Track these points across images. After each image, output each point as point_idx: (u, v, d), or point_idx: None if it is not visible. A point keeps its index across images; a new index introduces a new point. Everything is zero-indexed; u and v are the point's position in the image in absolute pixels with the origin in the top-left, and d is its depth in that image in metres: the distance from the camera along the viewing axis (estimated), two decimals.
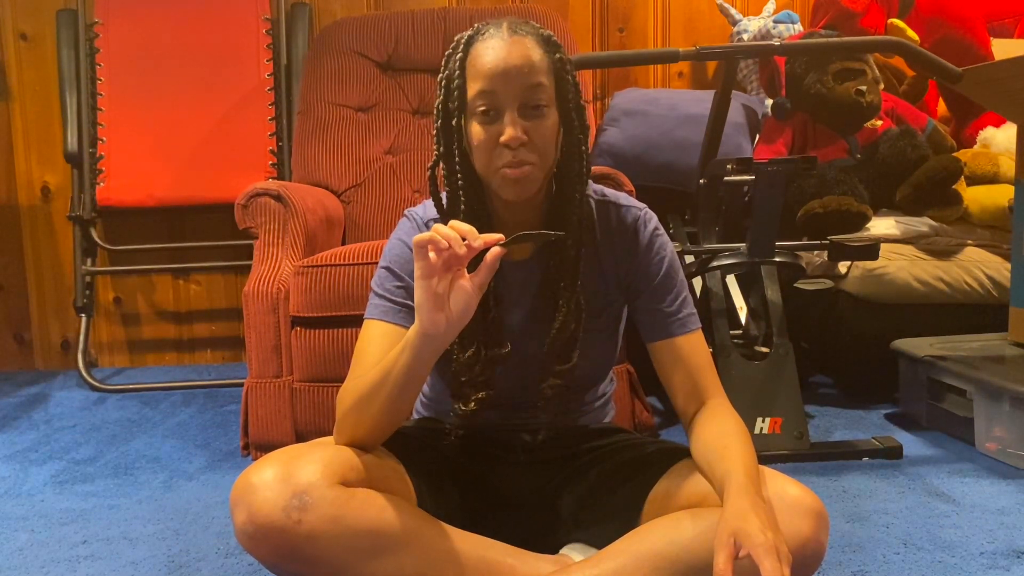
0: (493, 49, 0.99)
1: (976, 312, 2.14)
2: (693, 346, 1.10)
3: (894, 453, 1.74)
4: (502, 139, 0.99)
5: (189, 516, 1.53)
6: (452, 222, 0.89)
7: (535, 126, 1.00)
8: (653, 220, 1.14)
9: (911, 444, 1.82)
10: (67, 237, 2.78)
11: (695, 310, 1.13)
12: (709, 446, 1.00)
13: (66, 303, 2.80)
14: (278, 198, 1.88)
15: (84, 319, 2.68)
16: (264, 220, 1.88)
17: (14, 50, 2.76)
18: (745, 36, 2.70)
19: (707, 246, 1.98)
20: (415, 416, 1.24)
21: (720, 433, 1.01)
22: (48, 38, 2.72)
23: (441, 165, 1.07)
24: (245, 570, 1.29)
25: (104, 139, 2.63)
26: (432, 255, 0.88)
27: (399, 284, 1.08)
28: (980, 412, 1.75)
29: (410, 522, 0.97)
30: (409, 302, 1.06)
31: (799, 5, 2.85)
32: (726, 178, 1.93)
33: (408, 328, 1.04)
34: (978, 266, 2.15)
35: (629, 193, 1.80)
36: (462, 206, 1.06)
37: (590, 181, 1.13)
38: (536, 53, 1.00)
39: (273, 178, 2.62)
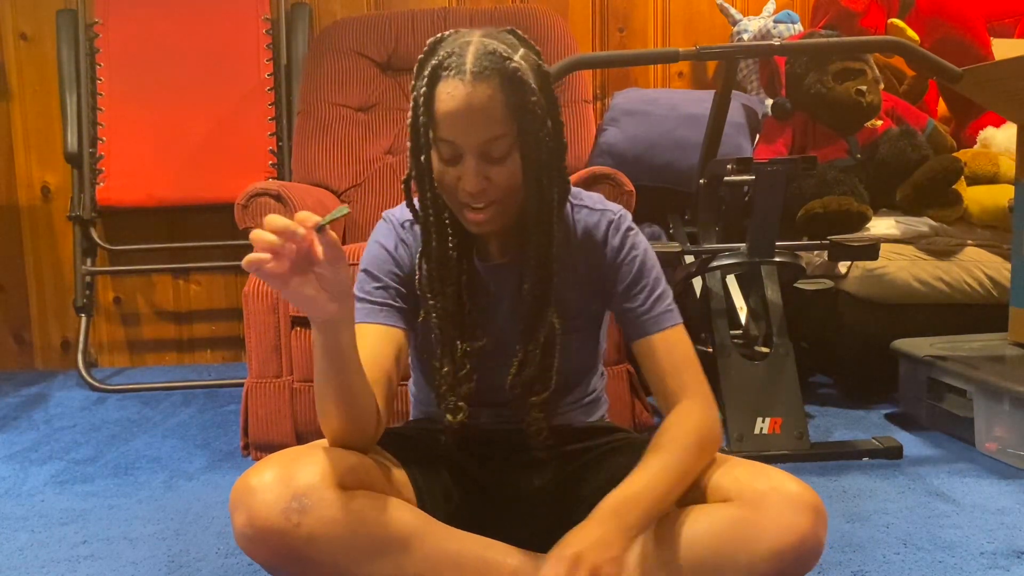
0: (453, 98, 0.95)
1: (976, 312, 2.14)
2: (669, 343, 1.09)
3: (894, 453, 1.74)
4: (461, 185, 0.98)
5: (189, 516, 1.53)
6: (267, 218, 0.83)
7: (496, 172, 0.98)
8: (625, 222, 1.12)
9: (911, 444, 1.82)
10: (67, 237, 2.78)
11: (673, 307, 1.11)
12: (649, 448, 1.03)
13: (66, 303, 2.80)
14: (278, 198, 1.88)
15: (84, 319, 2.68)
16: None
17: (14, 50, 2.76)
18: (745, 36, 2.70)
19: (707, 246, 1.98)
20: (412, 417, 1.25)
21: (659, 438, 1.03)
22: (48, 38, 2.72)
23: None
24: (245, 570, 1.29)
25: (104, 139, 2.63)
26: (272, 265, 0.83)
27: (377, 285, 1.09)
28: (980, 412, 1.75)
29: (410, 523, 0.97)
30: (389, 300, 1.08)
31: (799, 5, 2.85)
32: (726, 178, 1.93)
33: (394, 324, 1.07)
34: (978, 266, 2.15)
35: (629, 193, 1.81)
36: (433, 228, 1.05)
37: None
38: (498, 102, 0.95)
39: (273, 178, 2.62)
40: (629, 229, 1.12)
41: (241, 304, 1.85)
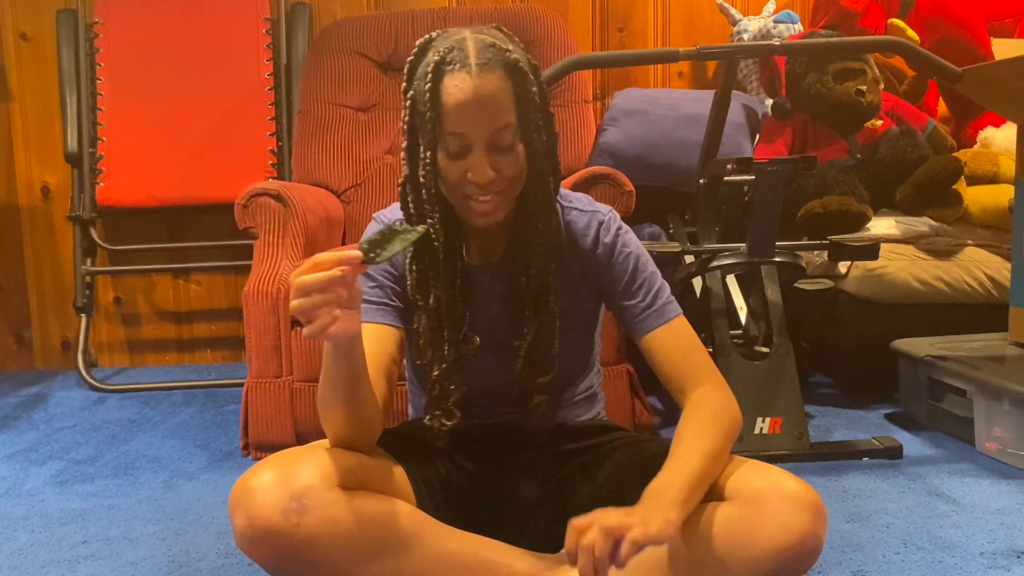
0: (461, 90, 0.96)
1: (976, 312, 2.14)
2: (675, 334, 1.10)
3: (894, 453, 1.74)
4: (470, 177, 0.99)
5: (189, 516, 1.53)
6: (317, 258, 0.84)
7: (503, 162, 1.00)
8: (615, 222, 1.14)
9: (911, 444, 1.82)
10: (67, 237, 2.77)
11: (672, 299, 1.12)
12: (674, 440, 1.02)
13: (66, 303, 2.80)
14: (278, 198, 1.88)
15: (84, 319, 2.68)
16: (264, 220, 1.88)
17: (14, 50, 2.76)
18: (745, 36, 2.70)
19: (707, 246, 1.98)
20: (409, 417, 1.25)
21: (681, 427, 1.03)
22: (48, 38, 2.72)
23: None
24: (245, 570, 1.29)
25: (104, 139, 2.62)
26: (336, 327, 0.84)
27: (373, 284, 1.09)
28: (980, 412, 1.75)
29: (409, 523, 0.97)
30: (386, 300, 1.09)
31: (799, 5, 2.85)
32: (726, 178, 1.93)
33: (392, 323, 1.08)
34: (978, 266, 2.15)
35: (629, 193, 1.81)
36: (433, 223, 1.06)
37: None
38: (504, 90, 0.98)
39: (273, 178, 2.62)
40: (619, 228, 1.13)
41: (241, 304, 1.85)
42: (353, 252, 0.85)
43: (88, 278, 2.69)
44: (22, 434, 2.10)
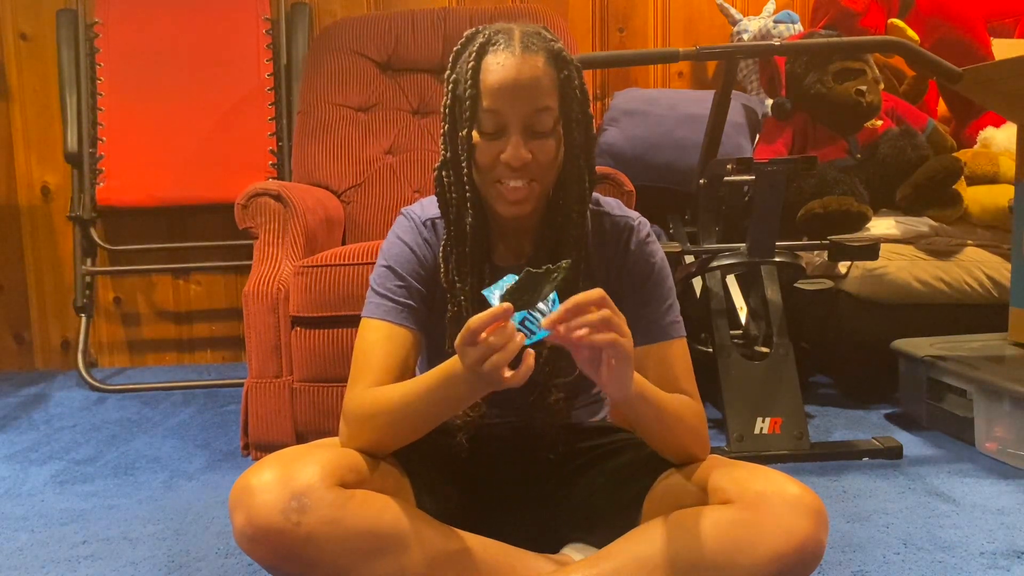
0: (503, 67, 0.98)
1: (976, 312, 2.14)
2: (675, 353, 1.10)
3: (894, 453, 1.74)
4: (503, 158, 0.99)
5: (189, 516, 1.53)
6: (469, 325, 0.86)
7: (538, 147, 1.00)
8: (644, 228, 1.14)
9: (911, 444, 1.82)
10: (67, 237, 2.78)
11: (681, 319, 1.12)
12: None
13: (66, 303, 2.80)
14: (278, 198, 1.88)
15: (84, 319, 2.68)
16: (264, 220, 1.88)
17: (14, 50, 2.76)
18: (745, 36, 2.70)
19: (707, 246, 1.98)
20: None
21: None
22: (48, 38, 2.72)
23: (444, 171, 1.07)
24: (245, 570, 1.29)
25: (104, 139, 2.63)
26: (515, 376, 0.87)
27: (400, 284, 1.08)
28: (980, 412, 1.75)
29: (409, 523, 0.97)
30: (411, 302, 1.08)
31: (799, 5, 2.85)
32: (726, 178, 1.93)
33: (411, 327, 1.06)
34: (978, 266, 2.15)
35: (629, 193, 1.81)
36: (469, 208, 1.05)
37: None
38: (546, 74, 0.99)
39: (273, 178, 2.62)
40: (648, 236, 1.13)
41: (241, 304, 1.85)
42: (503, 307, 0.86)
43: (88, 278, 2.69)
44: (22, 434, 2.10)
